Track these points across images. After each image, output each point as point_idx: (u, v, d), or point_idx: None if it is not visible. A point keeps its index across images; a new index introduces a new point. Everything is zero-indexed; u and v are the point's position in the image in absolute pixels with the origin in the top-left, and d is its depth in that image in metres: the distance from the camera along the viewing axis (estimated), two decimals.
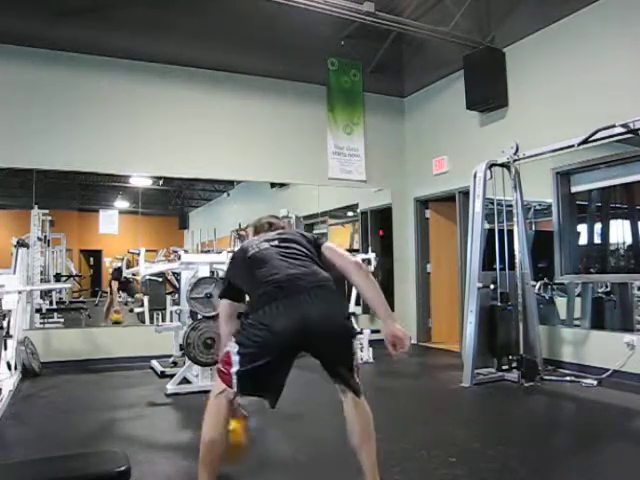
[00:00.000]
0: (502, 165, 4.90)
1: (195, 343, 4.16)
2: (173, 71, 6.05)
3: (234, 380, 1.98)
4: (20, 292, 4.60)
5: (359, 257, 6.25)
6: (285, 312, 1.94)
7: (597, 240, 5.50)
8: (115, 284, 6.84)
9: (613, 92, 4.59)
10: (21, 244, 4.92)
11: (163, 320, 6.10)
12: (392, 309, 7.29)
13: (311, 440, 3.09)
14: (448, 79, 6.49)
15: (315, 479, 2.58)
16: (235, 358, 1.97)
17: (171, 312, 5.96)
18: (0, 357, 4.01)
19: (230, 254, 5.28)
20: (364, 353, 5.44)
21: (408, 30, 5.34)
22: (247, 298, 2.24)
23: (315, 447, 3.01)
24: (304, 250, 2.16)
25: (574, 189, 5.18)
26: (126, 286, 6.82)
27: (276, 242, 2.19)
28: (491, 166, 4.79)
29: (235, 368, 1.97)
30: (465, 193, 5.76)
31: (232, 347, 2.01)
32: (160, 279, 6.05)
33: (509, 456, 2.81)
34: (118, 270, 6.76)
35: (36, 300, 5.91)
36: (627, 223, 5.34)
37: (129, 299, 6.86)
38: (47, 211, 6.17)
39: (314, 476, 2.60)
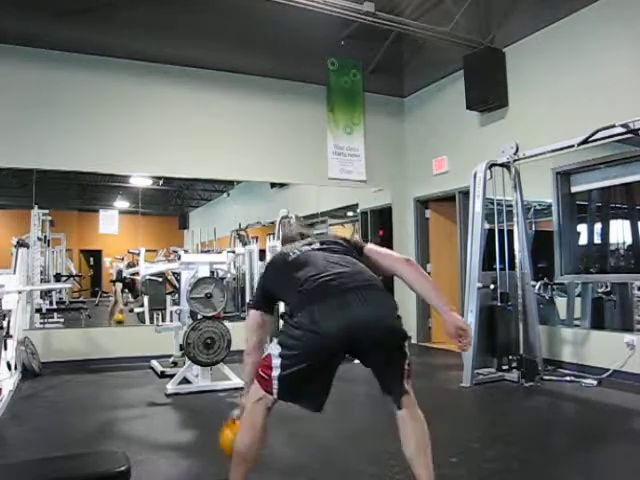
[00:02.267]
0: (502, 165, 4.90)
1: (195, 343, 4.16)
2: (173, 71, 6.06)
3: (275, 385, 1.85)
4: (20, 292, 4.60)
5: None
6: (333, 312, 1.81)
7: (597, 240, 5.50)
8: (119, 286, 6.86)
9: (613, 92, 4.59)
10: (21, 244, 4.92)
11: (163, 320, 6.10)
12: None
13: (311, 441, 3.09)
14: (448, 79, 6.50)
15: (315, 479, 2.58)
16: (276, 361, 1.84)
17: (171, 312, 5.96)
18: (0, 357, 4.01)
19: (230, 254, 5.34)
20: None
21: (408, 30, 5.34)
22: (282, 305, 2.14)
23: (315, 447, 3.01)
24: (346, 251, 2.09)
25: (574, 189, 5.18)
26: (130, 286, 6.85)
27: (318, 245, 2.11)
28: (491, 166, 4.79)
29: (277, 372, 1.83)
30: (465, 193, 5.76)
31: (273, 349, 1.87)
32: (160, 279, 6.05)
33: (509, 456, 2.82)
34: (120, 272, 6.79)
35: (36, 300, 5.91)
36: (627, 223, 5.34)
37: (130, 299, 6.88)
38: (47, 211, 6.17)
39: (314, 476, 2.60)
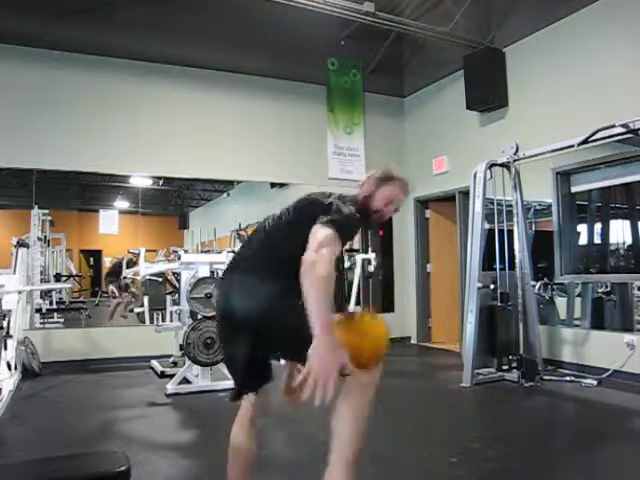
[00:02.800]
0: (502, 165, 4.90)
1: (195, 343, 4.16)
2: (173, 71, 6.05)
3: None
4: (20, 292, 4.60)
5: (359, 257, 6.26)
6: (219, 294, 1.95)
7: (597, 240, 5.50)
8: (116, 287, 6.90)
9: (613, 92, 4.59)
10: (21, 244, 4.92)
11: (163, 320, 6.10)
12: (392, 309, 7.26)
13: (311, 441, 3.09)
14: (448, 79, 6.49)
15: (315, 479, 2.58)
16: None
17: (171, 312, 5.96)
18: (0, 357, 4.01)
19: (230, 254, 5.33)
20: None
21: (408, 30, 5.34)
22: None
23: (315, 447, 3.01)
24: (281, 224, 1.90)
25: (574, 189, 5.18)
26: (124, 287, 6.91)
27: (273, 215, 1.98)
28: (491, 166, 4.79)
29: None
30: (465, 193, 5.76)
31: None
32: (160, 279, 6.05)
33: (509, 456, 2.82)
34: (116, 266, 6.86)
35: (36, 300, 5.91)
36: (627, 223, 5.34)
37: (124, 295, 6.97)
38: (47, 211, 6.17)
39: (314, 476, 2.60)
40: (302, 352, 1.56)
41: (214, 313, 1.83)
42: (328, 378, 1.51)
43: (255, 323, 1.74)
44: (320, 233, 1.65)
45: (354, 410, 1.75)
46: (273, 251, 1.84)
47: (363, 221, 2.02)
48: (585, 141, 4.34)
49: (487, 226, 4.87)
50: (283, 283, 1.69)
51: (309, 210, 1.84)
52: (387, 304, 7.02)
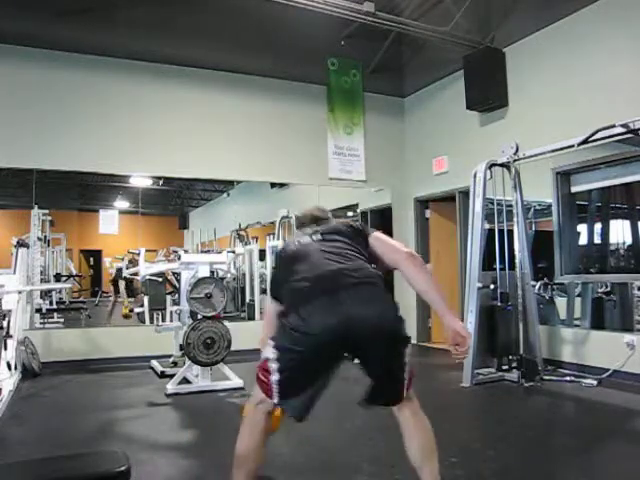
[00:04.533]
0: (502, 165, 4.90)
1: (195, 343, 4.16)
2: (173, 71, 6.06)
3: (274, 389, 1.80)
4: (20, 292, 4.60)
5: None
6: (323, 311, 1.73)
7: (597, 240, 5.50)
8: (122, 283, 6.92)
9: (613, 92, 4.59)
10: (21, 244, 4.92)
11: (163, 320, 6.10)
12: None
13: (311, 441, 3.09)
14: (448, 79, 6.50)
15: None
16: (274, 365, 1.79)
17: (171, 312, 5.96)
18: (0, 357, 4.01)
19: (230, 254, 5.34)
20: None
21: (408, 30, 5.33)
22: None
23: (315, 447, 3.01)
24: (349, 243, 1.99)
25: (574, 189, 5.18)
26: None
27: (319, 236, 2.02)
28: (491, 166, 4.79)
29: (275, 376, 1.79)
30: (465, 193, 5.76)
31: (270, 353, 1.82)
32: (160, 279, 6.05)
33: (509, 456, 2.82)
34: (120, 270, 6.86)
35: (36, 300, 5.91)
36: (627, 223, 5.34)
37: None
38: (47, 211, 6.17)
39: (314, 476, 2.60)
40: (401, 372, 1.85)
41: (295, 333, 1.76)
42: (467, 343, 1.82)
43: (396, 338, 1.85)
44: (384, 236, 2.08)
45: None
46: (368, 265, 1.98)
47: None
48: (585, 141, 4.34)
49: (487, 226, 4.87)
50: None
51: (354, 230, 2.11)
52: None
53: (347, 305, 1.74)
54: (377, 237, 2.05)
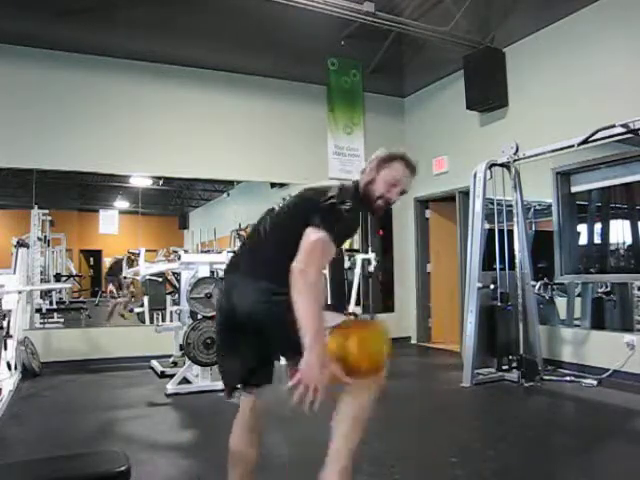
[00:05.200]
0: (502, 165, 4.90)
1: (195, 343, 4.16)
2: (173, 71, 6.06)
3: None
4: (20, 292, 4.60)
5: (359, 257, 6.25)
6: (222, 292, 1.94)
7: (597, 240, 5.50)
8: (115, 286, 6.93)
9: (613, 92, 4.59)
10: (21, 244, 4.92)
11: (163, 320, 6.10)
12: (392, 309, 7.23)
13: (311, 441, 3.09)
14: (448, 79, 6.50)
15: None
16: None
17: (171, 312, 5.96)
18: (0, 357, 4.01)
19: (230, 254, 5.34)
20: None
21: (408, 30, 5.33)
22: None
23: (314, 447, 3.00)
24: (277, 222, 1.85)
25: (574, 189, 5.18)
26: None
27: (271, 210, 1.93)
28: (491, 166, 4.79)
29: None
30: (465, 193, 5.76)
31: None
32: (160, 279, 6.06)
33: (509, 456, 2.82)
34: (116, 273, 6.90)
35: (36, 300, 5.92)
36: (627, 223, 5.34)
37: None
38: (47, 211, 6.18)
39: (313, 476, 2.60)
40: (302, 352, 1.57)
41: (214, 313, 1.80)
42: (317, 387, 1.53)
43: (257, 322, 1.73)
44: (311, 237, 1.60)
45: (354, 411, 1.74)
46: (274, 250, 1.78)
47: (366, 210, 1.97)
48: (585, 141, 4.34)
49: (487, 226, 4.87)
50: (282, 282, 1.61)
51: (302, 209, 1.76)
52: (387, 304, 7.02)
53: (225, 292, 1.91)
54: (307, 233, 1.64)
